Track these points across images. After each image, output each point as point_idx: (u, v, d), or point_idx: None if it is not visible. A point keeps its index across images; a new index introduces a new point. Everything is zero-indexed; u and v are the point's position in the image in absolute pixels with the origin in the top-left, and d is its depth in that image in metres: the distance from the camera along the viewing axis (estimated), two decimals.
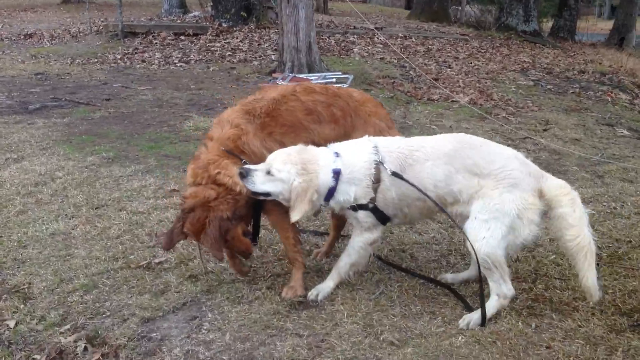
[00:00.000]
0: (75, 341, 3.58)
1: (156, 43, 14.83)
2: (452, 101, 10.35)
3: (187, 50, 14.06)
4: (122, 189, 5.87)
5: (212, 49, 14.17)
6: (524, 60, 15.14)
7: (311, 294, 4.06)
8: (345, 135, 4.19)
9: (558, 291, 4.19)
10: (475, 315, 3.79)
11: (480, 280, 3.81)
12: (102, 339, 3.62)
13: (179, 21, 17.24)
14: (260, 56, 13.54)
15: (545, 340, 3.64)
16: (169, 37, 15.23)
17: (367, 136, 4.00)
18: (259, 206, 4.04)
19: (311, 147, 3.87)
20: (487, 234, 3.67)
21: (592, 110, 10.75)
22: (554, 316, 3.89)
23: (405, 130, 8.03)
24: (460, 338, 3.64)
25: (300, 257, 4.17)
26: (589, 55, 17.40)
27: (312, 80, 10.75)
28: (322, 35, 15.49)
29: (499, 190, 3.67)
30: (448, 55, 14.96)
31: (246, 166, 3.75)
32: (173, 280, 4.26)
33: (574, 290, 4.18)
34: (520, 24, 19.55)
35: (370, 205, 3.84)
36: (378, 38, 15.52)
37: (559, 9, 22.05)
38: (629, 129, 9.61)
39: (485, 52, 15.91)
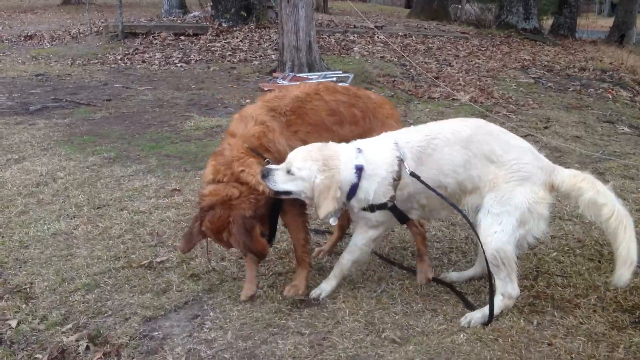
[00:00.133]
0: (77, 340, 3.58)
1: (156, 43, 14.83)
2: (453, 99, 10.35)
3: (188, 51, 14.06)
4: (123, 189, 5.87)
5: (212, 49, 14.18)
6: (525, 58, 15.13)
7: (314, 293, 4.06)
8: (363, 136, 4.08)
9: (560, 288, 4.19)
10: (477, 314, 3.79)
11: (490, 277, 3.78)
12: (104, 338, 3.62)
13: (179, 21, 17.25)
14: (261, 56, 13.55)
15: (547, 337, 3.63)
16: (169, 38, 15.23)
17: (385, 132, 3.96)
18: (277, 206, 3.96)
19: (332, 144, 3.80)
20: (498, 229, 3.67)
21: (593, 108, 10.75)
22: (555, 313, 3.89)
23: None
24: (462, 335, 3.64)
25: (308, 257, 4.14)
26: (590, 53, 17.39)
27: (312, 79, 10.76)
28: (322, 35, 15.49)
29: (511, 184, 3.67)
30: (448, 54, 14.95)
31: (267, 166, 3.69)
32: (175, 279, 4.27)
33: (575, 288, 4.18)
34: (520, 21, 19.54)
35: (390, 204, 3.78)
36: (378, 37, 15.52)
37: (559, 6, 22.05)
38: (630, 126, 9.61)
39: (485, 50, 15.91)
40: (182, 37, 15.28)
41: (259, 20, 16.50)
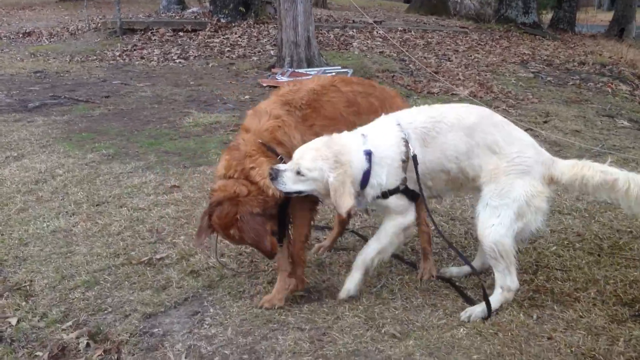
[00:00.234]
0: (77, 337, 3.58)
1: (155, 39, 14.81)
2: (452, 94, 10.33)
3: (186, 47, 14.04)
4: (122, 186, 5.87)
5: (210, 44, 14.16)
6: (524, 53, 15.11)
7: (342, 295, 3.93)
8: None
9: (559, 282, 4.19)
10: (478, 309, 3.79)
11: (478, 274, 3.80)
12: (104, 335, 3.63)
13: (177, 17, 17.22)
14: (260, 51, 13.53)
15: (546, 331, 3.63)
16: (167, 34, 15.21)
17: (383, 114, 3.90)
18: (286, 204, 3.88)
19: (337, 136, 3.69)
20: (496, 221, 3.68)
21: (593, 102, 10.73)
22: (555, 307, 3.89)
23: None
24: (461, 330, 3.64)
25: (304, 255, 4.04)
26: (589, 47, 17.36)
27: (311, 74, 10.74)
28: (321, 30, 15.46)
29: (511, 176, 3.68)
30: (448, 48, 14.93)
31: (275, 166, 3.59)
32: (174, 275, 4.27)
33: (575, 281, 4.18)
34: (519, 16, 19.48)
35: (402, 187, 3.74)
36: (377, 32, 15.49)
37: (558, 0, 21.99)
38: (630, 120, 9.60)
39: (485, 45, 15.88)
40: (181, 33, 15.26)
41: (257, 15, 16.47)
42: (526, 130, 7.65)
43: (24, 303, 3.94)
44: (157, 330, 3.68)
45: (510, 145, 3.74)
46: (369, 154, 3.64)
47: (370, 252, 3.88)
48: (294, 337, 3.58)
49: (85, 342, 3.54)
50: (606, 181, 3.66)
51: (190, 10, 18.44)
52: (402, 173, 3.71)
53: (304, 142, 3.73)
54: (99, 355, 3.43)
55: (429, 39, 15.91)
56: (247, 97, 9.73)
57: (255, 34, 15.14)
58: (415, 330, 3.66)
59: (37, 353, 3.47)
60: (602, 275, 4.30)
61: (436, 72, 11.68)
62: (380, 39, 14.96)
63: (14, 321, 3.74)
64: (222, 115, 8.59)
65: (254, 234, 3.59)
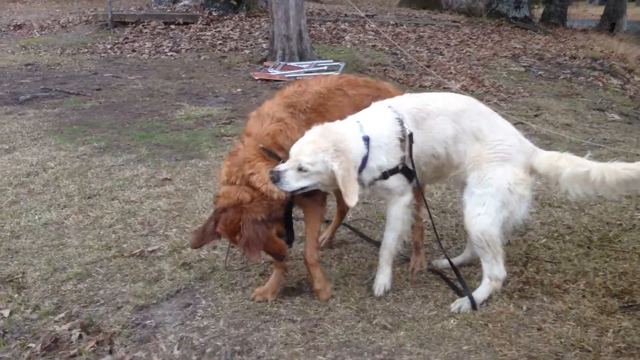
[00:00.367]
0: (69, 329, 3.59)
1: (146, 32, 14.76)
2: (444, 88, 10.35)
3: (178, 40, 14.00)
4: (114, 179, 5.87)
5: (202, 37, 14.12)
6: (515, 47, 15.15)
7: (377, 291, 3.95)
8: None
9: (549, 274, 4.23)
10: (465, 302, 3.83)
11: (455, 269, 3.82)
12: (96, 326, 3.63)
13: (168, 10, 17.17)
14: (251, 45, 13.50)
15: (536, 322, 3.67)
16: (159, 27, 15.15)
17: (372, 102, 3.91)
18: (291, 204, 3.83)
19: (330, 125, 3.65)
20: (482, 210, 3.72)
21: (583, 96, 10.78)
22: (545, 298, 3.93)
23: None
24: (452, 321, 3.67)
25: (317, 254, 3.97)
26: (580, 41, 17.42)
27: (303, 68, 10.75)
28: (313, 23, 15.45)
29: (493, 164, 3.73)
30: (439, 42, 14.95)
31: (275, 169, 3.54)
32: (166, 268, 4.28)
33: (564, 273, 4.21)
34: (511, 10, 19.52)
35: (401, 166, 3.75)
36: (369, 26, 15.49)
37: None
38: (620, 114, 9.66)
39: (476, 39, 15.91)
40: (172, 26, 15.21)
41: (249, 8, 16.44)
42: (517, 124, 7.74)
43: (16, 295, 3.94)
44: (149, 322, 3.69)
45: (494, 132, 3.81)
46: (367, 139, 3.64)
47: (391, 242, 3.92)
48: (286, 329, 3.60)
49: (78, 333, 3.55)
50: (578, 173, 3.70)
51: (182, 3, 18.38)
52: (401, 151, 3.73)
53: None
54: (91, 347, 3.44)
55: (421, 33, 15.92)
56: (239, 90, 9.72)
57: (247, 27, 15.11)
58: (406, 322, 3.69)
59: (30, 345, 3.47)
60: (591, 267, 4.33)
61: (428, 66, 11.71)
62: (373, 33, 14.96)
63: (6, 313, 3.74)
64: (214, 108, 8.59)
65: (250, 241, 3.54)
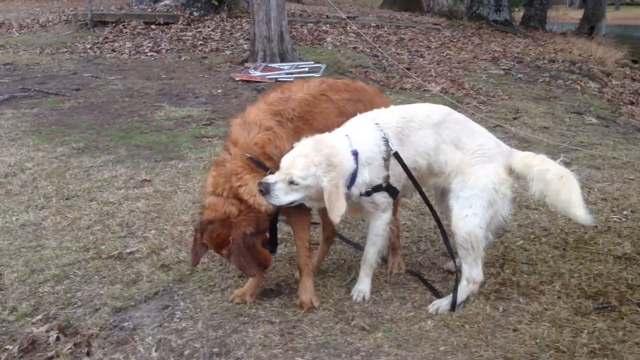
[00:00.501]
0: (47, 331, 3.57)
1: (126, 32, 14.66)
2: (424, 90, 10.41)
3: (158, 40, 13.93)
4: (92, 180, 5.83)
5: (183, 38, 14.06)
6: (495, 50, 15.26)
7: (357, 298, 3.96)
8: None
9: (525, 275, 4.28)
10: (445, 301, 3.87)
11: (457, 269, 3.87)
12: (74, 328, 3.62)
13: (149, 10, 17.06)
14: (232, 45, 13.47)
15: (512, 323, 3.72)
16: (139, 26, 15.05)
17: (359, 114, 3.94)
18: (276, 215, 3.80)
19: (322, 138, 3.65)
20: (469, 212, 3.80)
21: (562, 99, 10.89)
22: (521, 300, 3.98)
23: None
24: (429, 322, 3.71)
25: (310, 263, 3.97)
26: (559, 44, 17.57)
27: (284, 69, 10.75)
28: (294, 25, 15.45)
29: (475, 167, 3.82)
30: (420, 45, 15.02)
31: (264, 180, 3.49)
32: (145, 269, 4.27)
33: (540, 275, 4.26)
34: (491, 13, 19.66)
35: (384, 185, 3.80)
36: (351, 27, 15.53)
37: None
38: (597, 117, 9.76)
39: (457, 42, 16.00)
40: (153, 26, 15.12)
41: (230, 9, 16.39)
42: (495, 126, 7.83)
43: None
44: (127, 324, 3.68)
45: (472, 139, 3.92)
46: (355, 154, 3.68)
47: (372, 257, 3.99)
48: (265, 330, 3.61)
49: (55, 335, 3.53)
50: (542, 171, 3.79)
51: (162, 3, 18.26)
52: (385, 171, 3.79)
53: None
54: (69, 349, 3.43)
55: (402, 35, 15.98)
56: (219, 91, 9.70)
57: (228, 28, 15.07)
58: (384, 323, 3.71)
59: (7, 347, 3.45)
60: (567, 268, 4.40)
61: (408, 69, 11.75)
62: (354, 35, 14.99)
63: None
64: (194, 109, 8.56)
65: (243, 261, 3.53)
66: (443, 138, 3.87)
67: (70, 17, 16.14)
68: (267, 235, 3.84)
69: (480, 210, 3.79)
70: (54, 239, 4.69)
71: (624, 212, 5.49)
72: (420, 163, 3.88)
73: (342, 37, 14.81)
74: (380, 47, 13.41)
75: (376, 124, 3.81)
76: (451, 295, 3.88)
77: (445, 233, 4.10)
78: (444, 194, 4.05)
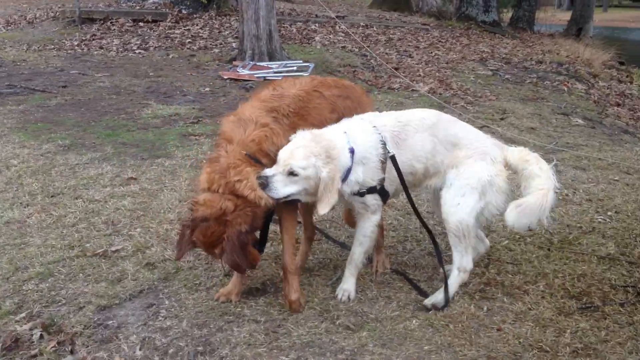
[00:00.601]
0: (30, 329, 3.56)
1: (114, 29, 14.58)
2: (412, 90, 10.44)
3: (146, 37, 13.87)
4: (78, 177, 5.80)
5: (171, 36, 14.00)
6: (483, 50, 15.31)
7: (342, 297, 3.97)
8: None
9: (510, 275, 4.31)
10: (440, 295, 3.92)
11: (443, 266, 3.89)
12: (58, 326, 3.61)
13: (137, 7, 16.98)
14: (221, 44, 13.44)
15: (496, 322, 3.74)
16: (127, 24, 14.98)
17: (350, 113, 3.98)
18: (271, 214, 3.78)
19: (319, 131, 3.68)
20: (461, 200, 3.85)
21: (549, 100, 10.94)
22: (505, 299, 4.01)
23: None
24: (414, 322, 3.73)
25: (295, 262, 3.94)
26: (547, 46, 17.66)
27: (272, 68, 10.74)
28: (283, 23, 15.43)
29: (472, 159, 3.88)
30: (409, 45, 15.04)
31: (263, 173, 3.49)
32: (130, 268, 4.25)
33: (525, 275, 4.29)
34: (480, 14, 19.72)
35: (378, 187, 3.83)
36: (340, 27, 15.53)
37: None
38: (584, 118, 9.82)
39: (445, 42, 16.04)
40: (141, 24, 15.05)
41: (219, 7, 16.35)
42: (482, 127, 7.84)
43: None
44: (111, 322, 3.67)
45: (467, 134, 4.01)
46: (352, 152, 3.70)
47: (358, 257, 4.01)
48: (249, 329, 3.62)
49: (39, 333, 3.52)
50: (533, 173, 3.85)
51: (151, 1, 18.17)
52: (381, 173, 3.82)
53: None
54: (52, 347, 3.42)
55: (391, 35, 16.01)
56: (207, 89, 9.68)
57: (217, 26, 15.03)
58: (369, 322, 3.73)
59: None
60: (551, 269, 4.43)
61: (397, 68, 11.77)
62: (343, 34, 15.00)
63: None
64: (182, 107, 8.53)
65: (237, 259, 3.47)
66: (439, 139, 3.92)
67: (57, 13, 16.03)
68: (257, 234, 3.81)
69: (471, 200, 3.84)
70: (38, 237, 4.66)
71: (609, 213, 5.53)
72: (417, 167, 3.93)
73: (331, 36, 14.81)
74: (368, 46, 13.42)
75: (374, 126, 3.84)
76: (444, 288, 3.92)
77: (435, 242, 4.18)
78: (436, 192, 4.10)
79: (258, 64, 10.99)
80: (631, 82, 14.37)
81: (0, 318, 3.67)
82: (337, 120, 3.94)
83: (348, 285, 4.02)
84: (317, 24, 16.21)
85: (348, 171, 3.70)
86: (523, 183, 3.87)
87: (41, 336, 3.51)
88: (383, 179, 3.83)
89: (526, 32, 20.89)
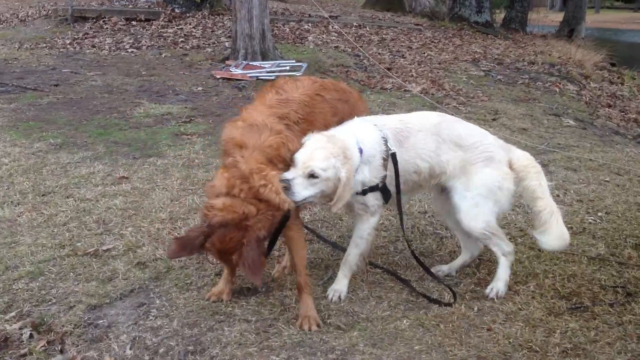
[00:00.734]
0: (20, 328, 3.54)
1: (107, 28, 14.54)
2: (405, 90, 10.45)
3: (139, 36, 13.84)
4: (69, 176, 5.78)
5: (164, 34, 13.98)
6: (476, 51, 15.34)
7: (333, 297, 3.97)
8: None
9: None
10: (499, 283, 4.06)
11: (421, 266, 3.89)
12: (47, 326, 3.59)
13: (130, 6, 16.95)
14: (214, 43, 13.42)
15: (486, 322, 3.76)
16: (120, 22, 14.94)
17: (357, 117, 4.00)
18: (286, 219, 3.64)
19: (332, 133, 3.69)
20: (477, 211, 3.96)
21: (540, 101, 10.97)
22: (495, 299, 4.02)
23: None
24: (405, 321, 3.74)
25: (308, 280, 3.84)
26: (539, 47, 17.71)
27: (265, 68, 10.74)
28: (276, 23, 15.42)
29: (479, 165, 3.94)
30: (402, 45, 15.06)
31: (283, 177, 3.45)
32: (121, 267, 4.24)
33: (515, 275, 4.30)
34: (472, 14, 19.76)
35: (380, 185, 3.85)
36: (333, 27, 15.54)
37: (511, 0, 22.38)
38: (575, 119, 9.86)
39: (438, 43, 16.07)
40: (134, 22, 15.01)
41: (212, 6, 16.32)
42: None
43: None
44: (102, 321, 3.66)
45: (471, 136, 4.02)
46: (361, 151, 3.73)
47: (353, 259, 4.02)
48: (240, 329, 3.61)
49: (29, 333, 3.50)
50: (534, 192, 4.04)
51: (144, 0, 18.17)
52: (383, 171, 3.84)
53: None
54: (42, 346, 3.40)
55: (384, 35, 16.02)
56: (200, 88, 9.66)
57: (210, 25, 15.01)
58: (360, 322, 3.73)
59: None
60: (541, 269, 4.45)
61: (389, 69, 11.79)
62: (336, 34, 15.00)
63: None
64: (174, 106, 8.52)
65: (253, 264, 3.35)
66: (443, 138, 3.95)
67: (50, 12, 15.97)
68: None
69: (487, 208, 3.97)
70: (29, 236, 4.65)
71: (599, 214, 5.56)
72: (422, 166, 3.95)
73: (324, 36, 14.81)
74: (361, 46, 13.44)
75: (375, 124, 3.87)
76: (499, 275, 4.08)
77: (413, 251, 4.30)
78: (442, 192, 4.17)
79: (251, 63, 10.98)
80: (622, 84, 14.40)
81: None
82: (338, 123, 3.95)
83: (340, 286, 4.03)
84: (310, 24, 16.21)
85: (357, 170, 3.73)
86: (523, 193, 4.07)
87: (31, 335, 3.49)
88: (385, 177, 3.85)
89: (519, 33, 20.93)
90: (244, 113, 3.71)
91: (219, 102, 8.87)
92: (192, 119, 7.92)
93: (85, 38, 13.60)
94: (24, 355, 3.36)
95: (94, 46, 12.88)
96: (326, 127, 3.84)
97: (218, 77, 10.37)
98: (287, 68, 10.80)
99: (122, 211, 5.08)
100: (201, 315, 3.74)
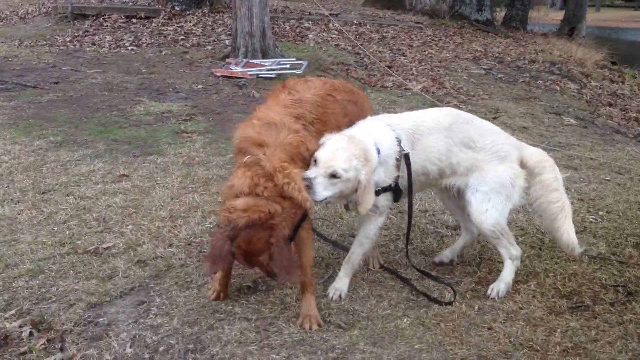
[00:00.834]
0: (20, 326, 3.53)
1: (107, 26, 14.54)
2: (405, 89, 10.44)
3: (139, 34, 13.83)
4: (69, 174, 5.77)
5: (164, 32, 13.97)
6: (476, 49, 15.34)
7: (333, 295, 3.97)
8: None
9: None
10: (501, 284, 4.06)
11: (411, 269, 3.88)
12: (47, 324, 3.58)
13: (130, 3, 16.94)
14: (214, 41, 13.41)
15: (487, 321, 3.75)
16: (120, 20, 14.95)
17: (370, 117, 4.03)
18: (303, 218, 3.58)
19: (352, 134, 3.69)
20: (489, 206, 3.96)
21: (541, 99, 10.98)
22: (496, 298, 4.01)
23: None
24: (405, 320, 3.73)
25: (313, 280, 3.82)
26: (540, 45, 17.72)
27: (265, 65, 10.72)
28: (276, 21, 15.42)
29: (493, 163, 3.97)
30: (402, 43, 15.05)
31: (305, 175, 3.43)
32: (121, 265, 4.23)
33: (516, 274, 4.28)
34: (473, 13, 19.77)
35: (393, 185, 3.86)
36: (333, 25, 15.53)
37: None
38: (576, 118, 9.86)
39: (438, 41, 16.07)
40: (134, 20, 15.01)
41: (212, 4, 16.32)
42: None
43: None
44: (102, 319, 3.66)
45: (484, 137, 4.03)
46: (378, 152, 3.74)
47: (356, 258, 4.03)
48: (241, 327, 3.61)
49: (29, 331, 3.49)
50: (550, 185, 4.07)
51: None
52: (396, 171, 3.84)
53: None
54: (42, 344, 3.40)
55: (384, 33, 16.01)
56: (200, 86, 9.65)
57: (210, 23, 15.01)
58: (360, 321, 3.73)
59: None
60: (542, 268, 4.44)
61: (390, 67, 11.78)
62: (336, 32, 15.00)
63: None
64: (174, 104, 8.50)
65: (286, 263, 3.29)
66: (454, 141, 3.96)
67: (50, 9, 15.97)
68: None
69: (499, 205, 3.98)
70: (29, 233, 4.64)
71: (600, 213, 5.56)
72: (430, 169, 3.96)
73: (324, 34, 14.81)
74: (362, 45, 13.44)
75: (388, 125, 3.87)
76: (503, 276, 4.09)
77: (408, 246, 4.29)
78: (452, 190, 4.16)
79: (251, 61, 10.97)
80: (623, 82, 14.41)
81: None
82: (349, 124, 3.95)
83: (341, 285, 4.02)
84: (310, 22, 16.20)
85: (373, 172, 3.73)
86: (537, 188, 4.08)
87: (31, 333, 3.48)
88: (397, 177, 3.86)
89: (519, 31, 20.95)
90: (259, 112, 3.68)
91: (219, 100, 8.86)
92: (193, 117, 7.91)
93: (85, 35, 13.59)
94: (24, 353, 3.35)
95: (94, 44, 12.88)
96: (338, 127, 3.83)
97: (218, 75, 10.36)
98: (288, 66, 10.78)
99: (122, 209, 5.07)
100: (201, 313, 3.74)
